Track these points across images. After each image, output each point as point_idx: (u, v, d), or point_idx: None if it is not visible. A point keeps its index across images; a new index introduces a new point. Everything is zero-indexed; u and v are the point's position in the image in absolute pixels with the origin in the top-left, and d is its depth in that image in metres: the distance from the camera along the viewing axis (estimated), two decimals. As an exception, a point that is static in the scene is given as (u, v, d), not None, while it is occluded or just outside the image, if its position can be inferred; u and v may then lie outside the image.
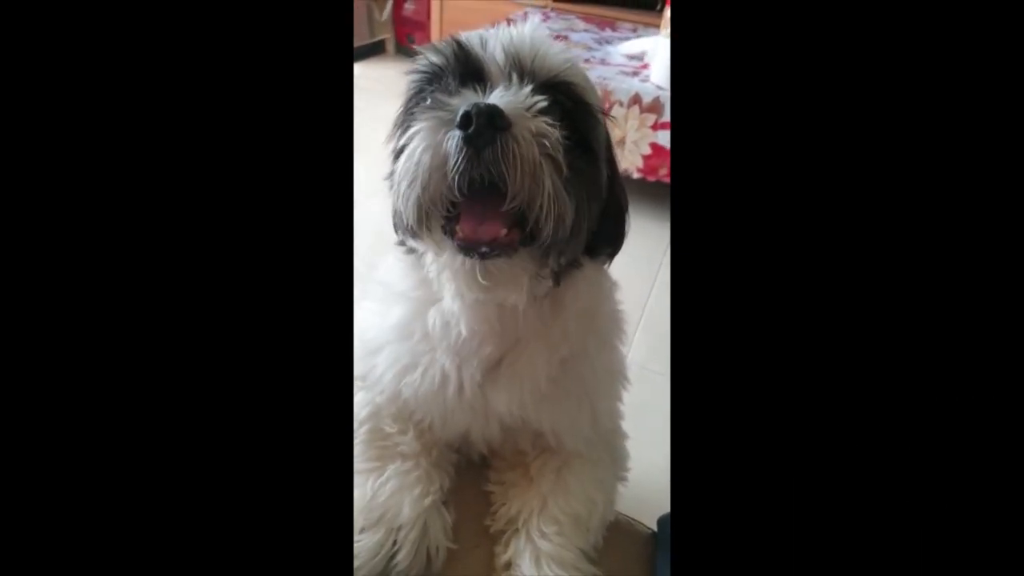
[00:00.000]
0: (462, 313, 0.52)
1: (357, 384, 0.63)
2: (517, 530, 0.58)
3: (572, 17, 2.69)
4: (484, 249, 0.44)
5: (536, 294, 0.51)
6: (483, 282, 0.45)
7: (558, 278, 0.51)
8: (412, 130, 0.45)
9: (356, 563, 0.53)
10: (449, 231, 0.46)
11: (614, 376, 0.63)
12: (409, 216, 0.46)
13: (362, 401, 0.62)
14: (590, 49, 2.28)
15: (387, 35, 3.40)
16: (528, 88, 0.46)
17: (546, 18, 2.64)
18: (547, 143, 0.44)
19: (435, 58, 0.49)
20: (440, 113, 0.44)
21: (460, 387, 0.56)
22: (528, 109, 0.44)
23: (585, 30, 2.52)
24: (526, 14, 2.64)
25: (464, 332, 0.53)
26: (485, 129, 0.42)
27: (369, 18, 3.28)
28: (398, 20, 3.40)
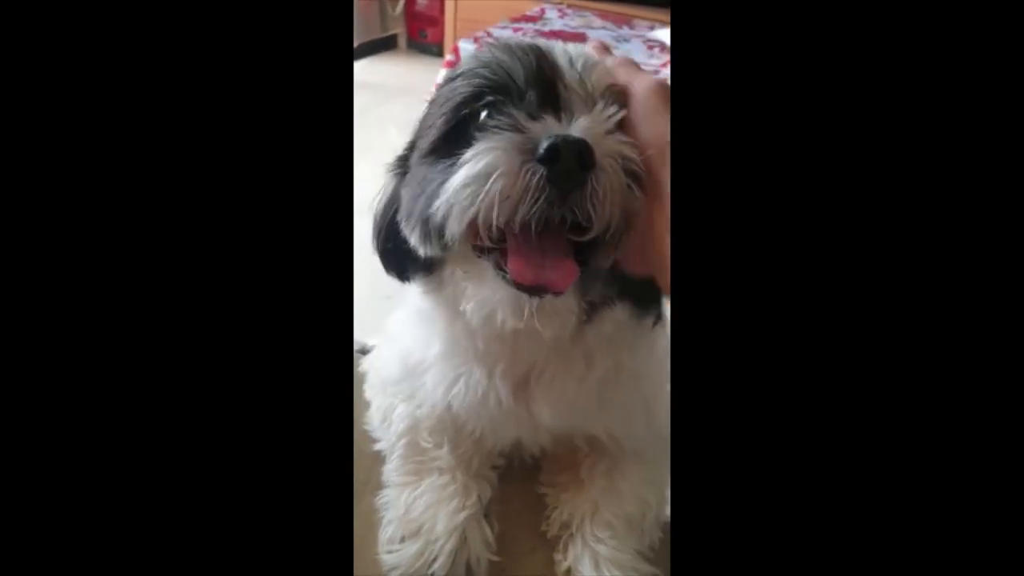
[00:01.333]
0: (479, 329, 0.49)
1: (399, 397, 0.62)
2: (572, 535, 0.58)
3: (588, 14, 2.66)
4: (547, 294, 0.40)
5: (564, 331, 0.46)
6: (532, 317, 0.41)
7: (591, 313, 0.47)
8: (483, 146, 0.39)
9: (397, 573, 0.54)
10: (494, 260, 0.42)
11: (663, 367, 0.58)
12: (454, 233, 0.41)
13: (402, 414, 0.62)
14: (608, 46, 2.25)
15: (399, 30, 3.38)
16: (612, 108, 0.42)
17: (563, 15, 2.62)
18: (631, 164, 0.40)
19: (508, 61, 0.44)
20: (518, 137, 0.39)
21: (498, 398, 0.54)
22: (608, 132, 0.41)
23: (602, 27, 2.50)
24: (543, 10, 2.61)
25: (480, 346, 0.51)
26: (573, 170, 0.37)
27: (381, 12, 3.26)
28: (410, 15, 3.38)
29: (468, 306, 0.44)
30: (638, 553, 0.57)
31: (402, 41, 3.42)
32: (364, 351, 0.77)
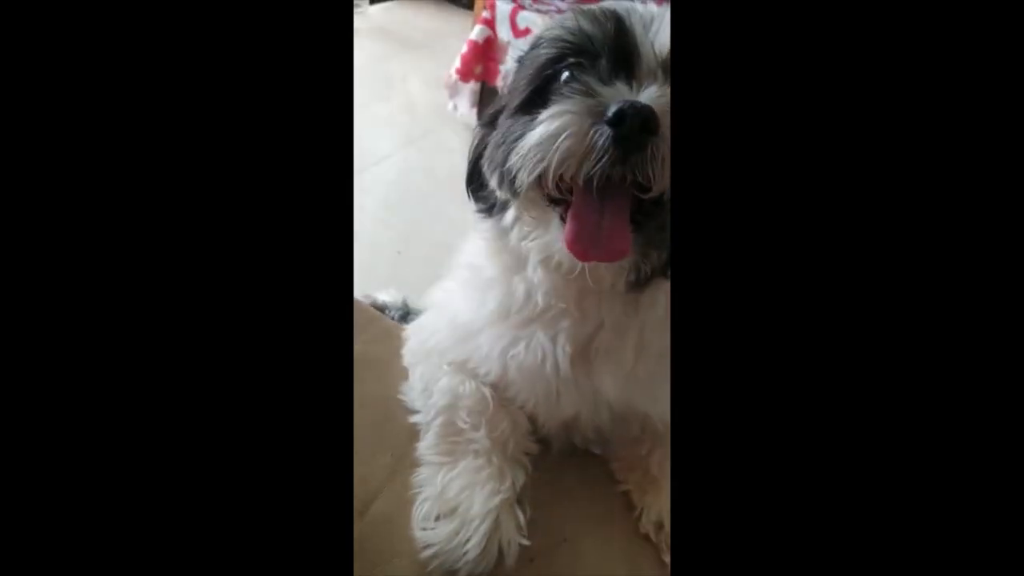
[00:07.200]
0: (542, 284, 0.52)
1: (444, 368, 0.61)
2: (669, 536, 0.57)
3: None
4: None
5: (616, 288, 0.50)
6: (584, 270, 0.46)
7: (641, 280, 0.50)
8: (556, 109, 0.44)
9: (431, 551, 0.53)
10: (560, 212, 0.46)
11: None
12: (524, 182, 0.46)
13: (443, 388, 0.60)
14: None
15: (424, -23, 3.25)
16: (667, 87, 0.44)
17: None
18: None
19: (589, 27, 0.47)
20: (589, 101, 0.43)
21: (556, 363, 0.54)
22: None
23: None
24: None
25: (540, 303, 0.53)
26: (637, 134, 0.41)
27: (407, -43, 3.12)
28: (438, -37, 3.24)
29: (530, 249, 0.49)
30: None
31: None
32: (377, 306, 0.76)
